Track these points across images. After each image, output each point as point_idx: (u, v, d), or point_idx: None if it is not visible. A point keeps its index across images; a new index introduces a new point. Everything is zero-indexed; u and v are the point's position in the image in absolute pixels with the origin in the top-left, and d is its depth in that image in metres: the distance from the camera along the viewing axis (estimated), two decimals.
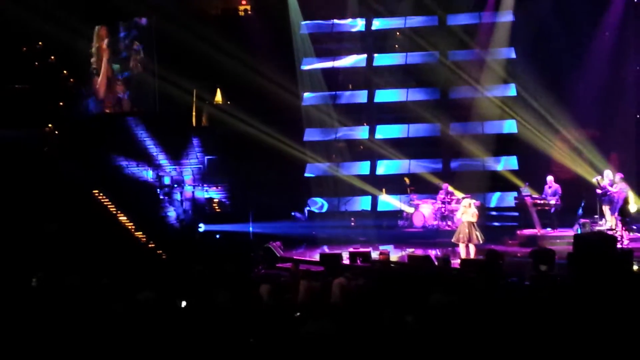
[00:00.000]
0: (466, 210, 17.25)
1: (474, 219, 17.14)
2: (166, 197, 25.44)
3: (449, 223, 21.62)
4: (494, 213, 23.41)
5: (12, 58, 26.57)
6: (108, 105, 28.15)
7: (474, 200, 17.76)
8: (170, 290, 11.31)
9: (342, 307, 10.60)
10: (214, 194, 25.78)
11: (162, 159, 26.52)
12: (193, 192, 25.53)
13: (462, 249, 17.26)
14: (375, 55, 26.61)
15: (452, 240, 17.61)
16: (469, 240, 17.00)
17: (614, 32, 23.26)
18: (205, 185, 25.81)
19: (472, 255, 16.92)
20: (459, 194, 22.11)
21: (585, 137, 23.23)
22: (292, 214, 24.33)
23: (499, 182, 23.75)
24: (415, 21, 26.09)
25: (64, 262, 16.53)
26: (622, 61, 23.40)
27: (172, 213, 25.06)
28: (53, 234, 21.91)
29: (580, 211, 19.24)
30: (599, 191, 19.15)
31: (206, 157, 26.36)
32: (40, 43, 27.87)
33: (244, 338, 8.24)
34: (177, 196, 25.42)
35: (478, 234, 17.06)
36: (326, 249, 20.20)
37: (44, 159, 25.89)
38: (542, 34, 23.89)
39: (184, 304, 10.39)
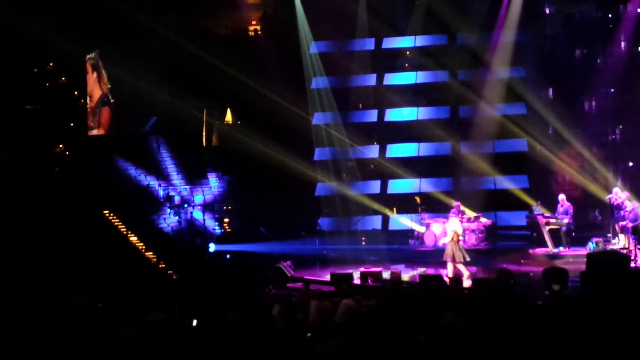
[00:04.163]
0: (450, 229, 17.27)
1: (454, 237, 17.10)
2: (176, 217, 25.45)
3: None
4: (505, 232, 23.26)
5: (24, 79, 26.73)
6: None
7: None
8: (181, 310, 11.25)
9: (344, 327, 10.50)
10: (224, 213, 25.78)
11: (169, 179, 26.55)
12: (203, 211, 25.52)
13: (449, 268, 17.18)
14: (386, 74, 26.64)
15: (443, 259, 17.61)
16: (454, 259, 16.96)
17: (626, 50, 23.23)
18: (215, 204, 25.82)
19: (464, 274, 16.86)
20: (470, 213, 22.02)
21: (596, 155, 23.16)
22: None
23: (510, 201, 23.60)
24: (425, 40, 26.14)
25: (70, 283, 16.51)
26: (633, 79, 23.35)
27: (182, 233, 25.05)
28: (58, 254, 21.88)
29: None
30: (615, 209, 18.95)
31: (222, 178, 26.40)
32: (51, 64, 28.04)
33: (255, 359, 8.18)
34: (187, 215, 25.42)
35: (462, 252, 17.03)
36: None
37: (55, 179, 25.96)
38: (552, 52, 23.90)
39: (195, 322, 10.32)
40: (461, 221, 21.57)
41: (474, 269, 19.56)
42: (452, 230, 17.18)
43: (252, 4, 28.64)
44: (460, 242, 17.43)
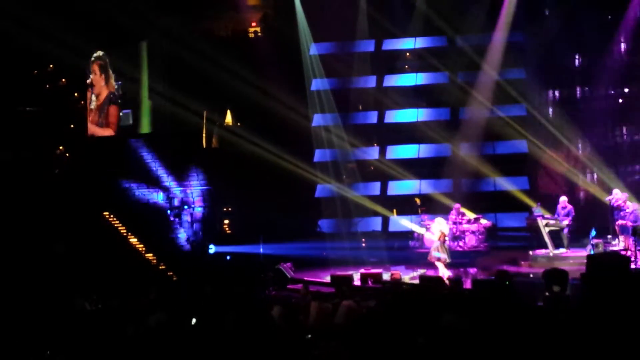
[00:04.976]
0: (437, 229, 17.38)
1: (440, 237, 17.23)
2: (176, 219, 25.41)
3: (461, 243, 21.49)
4: (505, 233, 23.25)
5: (24, 81, 26.70)
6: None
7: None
8: (181, 312, 11.24)
9: (344, 328, 10.50)
10: (224, 215, 25.72)
11: (170, 181, 26.50)
12: (203, 213, 25.48)
13: (440, 269, 17.35)
14: (386, 75, 26.64)
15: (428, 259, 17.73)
16: (439, 258, 17.11)
17: (625, 52, 23.26)
18: (215, 206, 25.76)
19: (444, 274, 16.96)
20: (470, 214, 22.02)
21: (596, 156, 23.18)
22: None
23: (510, 202, 23.60)
24: (425, 42, 26.14)
25: (71, 284, 16.49)
26: (633, 80, 23.39)
27: (182, 234, 25.02)
28: (61, 255, 21.87)
29: (593, 232, 19.08)
30: (615, 210, 18.93)
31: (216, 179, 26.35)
32: (51, 66, 28.01)
33: None
34: (187, 217, 25.38)
35: (446, 253, 17.19)
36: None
37: (55, 180, 25.92)
38: (552, 53, 23.90)
39: (194, 321, 10.32)
40: (461, 223, 21.65)
41: (474, 270, 19.59)
42: (439, 230, 17.27)
43: (252, 5, 28.64)
44: (446, 243, 17.55)
